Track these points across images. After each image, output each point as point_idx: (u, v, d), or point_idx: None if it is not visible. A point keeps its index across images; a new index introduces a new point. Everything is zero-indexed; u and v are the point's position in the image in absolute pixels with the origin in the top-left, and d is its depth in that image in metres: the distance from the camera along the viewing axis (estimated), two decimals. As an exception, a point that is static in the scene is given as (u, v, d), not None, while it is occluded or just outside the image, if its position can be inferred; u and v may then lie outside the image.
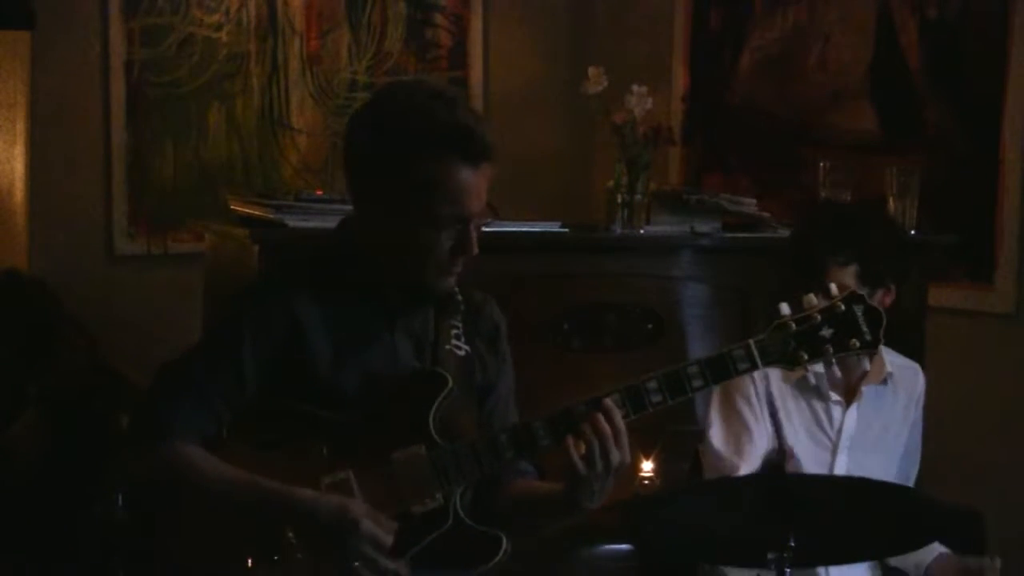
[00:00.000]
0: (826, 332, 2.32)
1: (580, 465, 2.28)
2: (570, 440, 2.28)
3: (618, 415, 2.29)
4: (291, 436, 2.32)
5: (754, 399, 2.96)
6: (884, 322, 2.35)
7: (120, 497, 3.44)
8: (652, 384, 2.32)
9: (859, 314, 2.33)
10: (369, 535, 2.22)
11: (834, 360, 2.35)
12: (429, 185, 2.27)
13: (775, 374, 2.96)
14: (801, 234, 2.65)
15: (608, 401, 2.29)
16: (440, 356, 2.42)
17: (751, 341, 2.32)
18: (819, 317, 2.32)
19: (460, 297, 2.47)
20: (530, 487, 2.49)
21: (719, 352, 2.33)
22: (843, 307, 2.33)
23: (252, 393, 2.33)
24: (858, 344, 2.33)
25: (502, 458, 2.32)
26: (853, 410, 2.99)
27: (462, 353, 2.45)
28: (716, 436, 2.98)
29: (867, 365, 2.94)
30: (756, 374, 2.93)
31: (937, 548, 2.99)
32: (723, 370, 2.32)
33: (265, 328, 2.32)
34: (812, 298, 2.34)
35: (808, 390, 2.98)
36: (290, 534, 2.25)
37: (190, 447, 2.29)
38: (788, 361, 2.33)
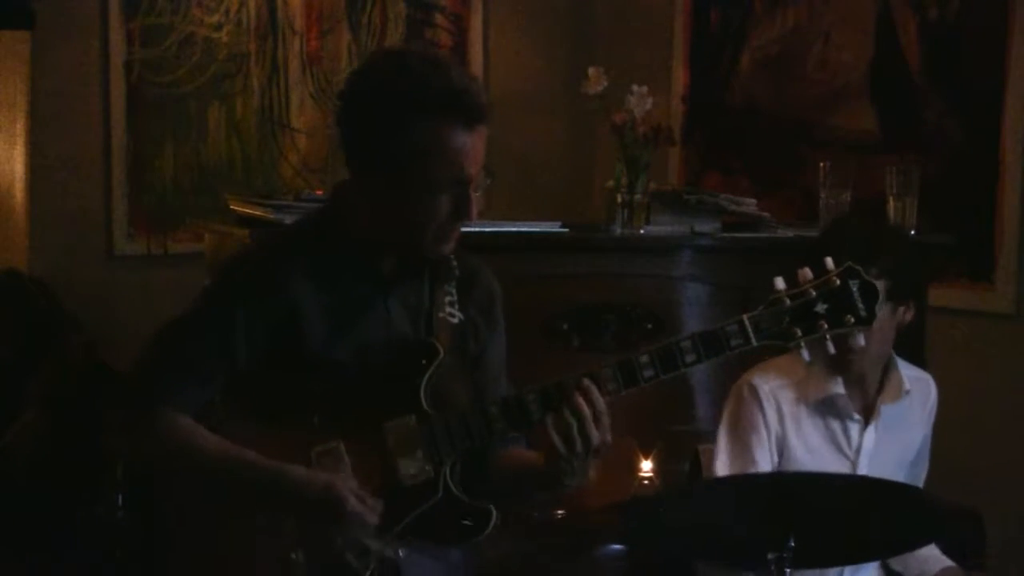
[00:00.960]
0: (820, 308, 2.28)
1: (560, 445, 2.27)
2: (550, 419, 2.28)
3: (597, 394, 2.27)
4: (283, 406, 2.31)
5: (762, 429, 2.93)
6: (880, 297, 2.30)
7: (120, 497, 3.45)
8: (645, 358, 2.30)
9: (854, 289, 2.28)
10: (355, 513, 2.23)
11: (828, 337, 2.29)
12: (426, 150, 2.26)
13: (789, 398, 2.95)
14: (834, 247, 2.60)
15: (587, 380, 2.28)
16: (434, 324, 2.40)
17: (744, 316, 2.29)
18: (814, 292, 2.28)
19: (455, 263, 2.44)
20: (517, 457, 2.46)
21: (713, 327, 2.30)
22: (838, 282, 2.28)
23: (244, 364, 2.31)
24: (853, 320, 2.28)
25: (493, 430, 2.31)
26: (871, 429, 2.96)
27: (455, 321, 2.42)
28: (722, 464, 2.96)
29: (861, 347, 2.86)
30: (767, 403, 2.92)
31: (942, 561, 2.98)
32: (716, 345, 2.28)
33: (258, 302, 2.30)
34: (807, 272, 2.29)
35: (828, 410, 2.95)
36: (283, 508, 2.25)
37: (182, 417, 2.28)
38: (782, 337, 2.29)
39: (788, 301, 2.29)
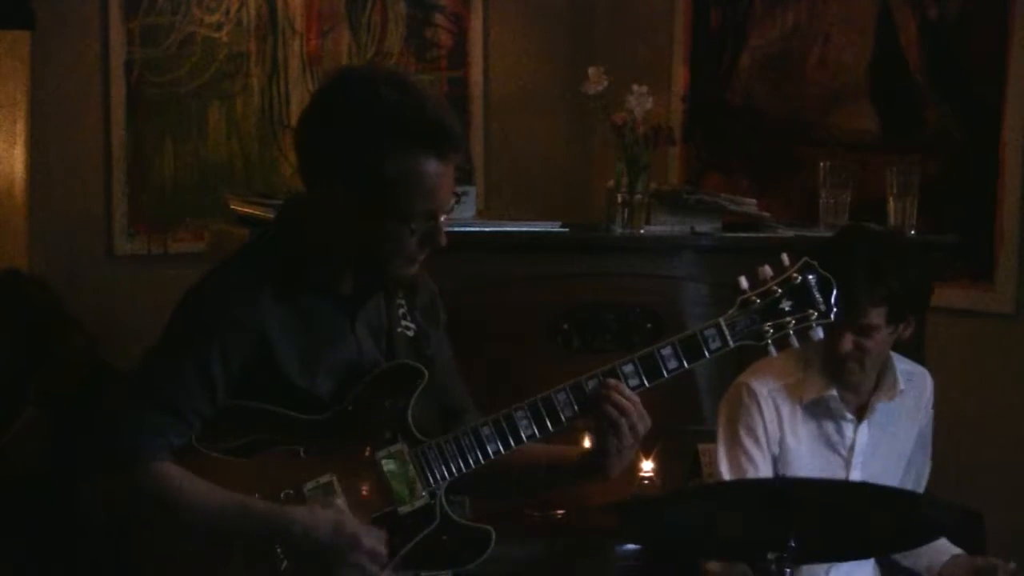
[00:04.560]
0: (786, 305, 2.36)
1: (614, 444, 2.31)
2: (600, 420, 2.30)
3: (628, 390, 2.31)
4: (265, 440, 2.26)
5: (760, 431, 2.95)
6: (835, 290, 2.38)
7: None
8: (628, 367, 2.33)
9: (813, 283, 2.37)
10: (369, 550, 2.21)
11: (792, 333, 2.35)
12: (401, 183, 2.21)
13: (785, 400, 2.96)
14: (839, 274, 2.63)
15: (614, 380, 2.31)
16: (395, 342, 2.39)
17: (721, 320, 2.35)
18: (779, 290, 2.36)
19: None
20: (543, 451, 2.44)
21: (691, 332, 2.34)
22: (799, 278, 2.36)
23: (222, 401, 2.25)
24: (815, 315, 2.36)
25: (487, 451, 2.31)
26: (864, 426, 2.98)
27: (411, 334, 2.42)
28: (723, 465, 2.98)
29: (850, 350, 2.88)
30: (765, 405, 2.95)
31: (950, 550, 2.98)
32: (695, 349, 2.34)
33: (233, 339, 2.24)
34: (767, 269, 2.37)
35: (821, 411, 2.97)
36: (278, 549, 2.22)
37: (168, 467, 2.20)
38: (755, 337, 2.36)
39: (757, 300, 2.36)
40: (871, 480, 2.95)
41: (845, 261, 2.80)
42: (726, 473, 2.95)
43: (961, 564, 2.96)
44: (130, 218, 4.62)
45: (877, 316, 2.83)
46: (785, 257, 2.38)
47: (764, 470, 2.93)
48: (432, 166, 2.23)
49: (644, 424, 2.32)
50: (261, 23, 4.78)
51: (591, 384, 2.33)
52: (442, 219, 2.28)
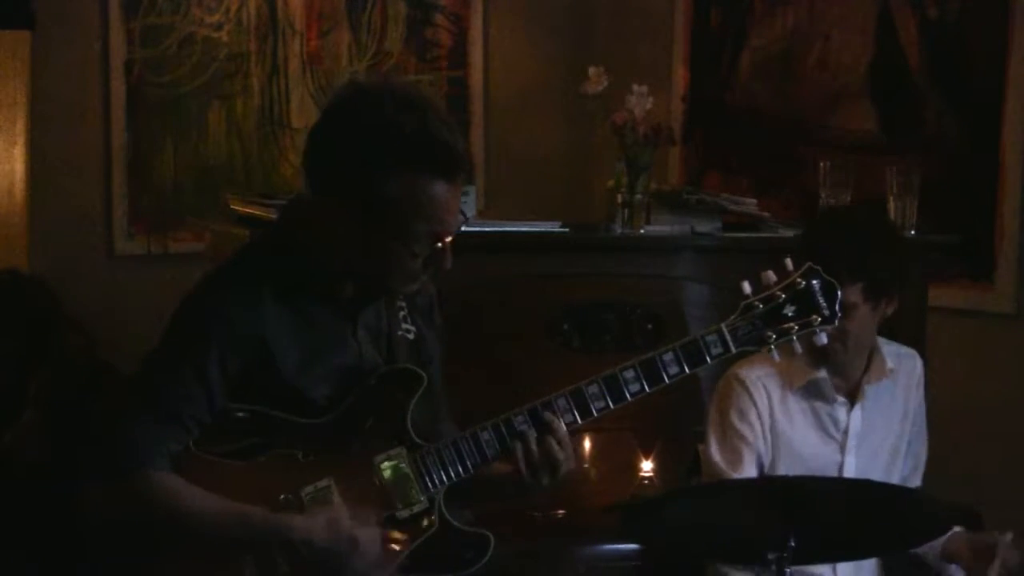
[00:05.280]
0: (789, 310, 2.36)
1: (525, 472, 2.30)
2: (517, 448, 2.30)
3: (560, 424, 2.30)
4: (264, 444, 2.26)
5: (753, 417, 2.96)
6: (839, 295, 2.38)
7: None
8: (630, 373, 2.33)
9: (817, 288, 2.37)
10: (367, 545, 2.21)
11: (795, 338, 2.36)
12: (404, 204, 2.20)
13: (775, 385, 2.97)
14: (810, 253, 2.65)
15: (548, 414, 2.30)
16: (394, 345, 2.39)
17: (722, 325, 2.35)
18: (782, 295, 2.36)
19: None
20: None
21: (692, 337, 2.35)
22: (802, 283, 2.36)
23: (221, 404, 2.24)
24: (819, 320, 2.37)
25: (485, 455, 2.31)
26: (857, 410, 2.99)
27: (411, 337, 2.42)
28: (715, 452, 2.99)
29: (834, 344, 2.88)
30: (752, 388, 2.96)
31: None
32: (697, 355, 2.34)
33: (233, 342, 2.23)
34: (771, 274, 2.37)
35: (813, 393, 2.98)
36: (279, 560, 2.22)
37: (166, 475, 2.20)
38: (757, 342, 2.36)
39: (760, 306, 2.36)
40: (865, 463, 2.98)
41: (816, 244, 2.81)
42: (720, 461, 2.96)
43: (962, 540, 2.96)
44: (130, 218, 4.62)
45: (853, 294, 2.82)
46: (789, 262, 2.38)
47: (757, 446, 2.95)
48: (437, 188, 2.21)
49: (565, 463, 2.31)
50: (261, 23, 4.78)
51: (591, 390, 2.32)
52: (448, 241, 2.25)
